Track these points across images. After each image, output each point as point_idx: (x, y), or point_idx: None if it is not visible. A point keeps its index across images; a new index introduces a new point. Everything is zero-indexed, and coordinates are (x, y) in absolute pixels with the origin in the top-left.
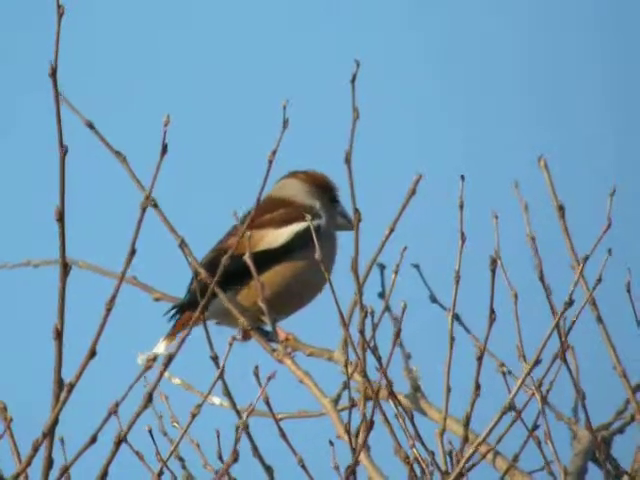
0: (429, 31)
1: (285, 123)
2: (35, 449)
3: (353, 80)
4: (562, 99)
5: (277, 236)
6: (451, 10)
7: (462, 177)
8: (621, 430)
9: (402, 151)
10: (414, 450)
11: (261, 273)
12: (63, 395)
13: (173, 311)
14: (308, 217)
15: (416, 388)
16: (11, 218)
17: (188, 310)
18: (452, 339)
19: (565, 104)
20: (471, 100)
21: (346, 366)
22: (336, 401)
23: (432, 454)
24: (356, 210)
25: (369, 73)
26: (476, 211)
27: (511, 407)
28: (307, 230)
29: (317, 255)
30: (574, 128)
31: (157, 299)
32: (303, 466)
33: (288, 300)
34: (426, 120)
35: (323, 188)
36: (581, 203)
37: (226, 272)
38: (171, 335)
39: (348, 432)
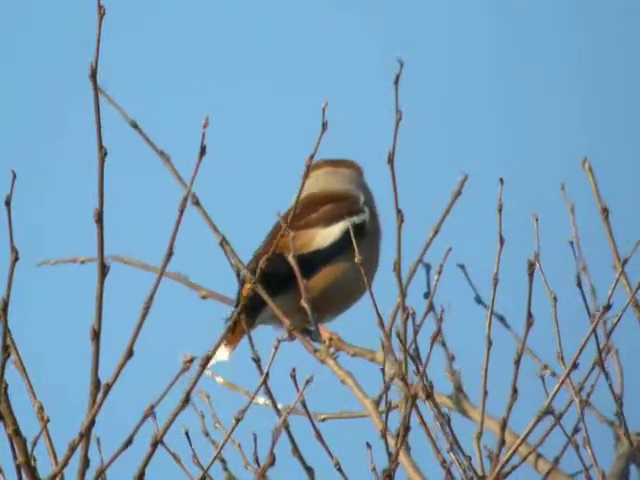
0: (473, 31)
1: (324, 125)
2: (72, 449)
3: (396, 81)
4: (606, 100)
5: (326, 236)
6: (493, 9)
7: (501, 180)
8: None
9: (446, 153)
10: (451, 454)
11: (311, 274)
12: (100, 396)
13: (230, 316)
14: (353, 220)
15: (459, 389)
16: (59, 217)
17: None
18: (489, 342)
19: (609, 105)
20: (516, 100)
21: (383, 371)
22: (378, 402)
23: (469, 458)
24: (399, 211)
25: (412, 73)
26: (521, 213)
27: (549, 411)
28: (355, 226)
29: (357, 259)
30: (618, 129)
31: (204, 297)
32: (340, 469)
33: (337, 301)
34: (470, 121)
35: (358, 173)
36: (625, 205)
37: (274, 275)
38: (233, 342)
39: (384, 436)
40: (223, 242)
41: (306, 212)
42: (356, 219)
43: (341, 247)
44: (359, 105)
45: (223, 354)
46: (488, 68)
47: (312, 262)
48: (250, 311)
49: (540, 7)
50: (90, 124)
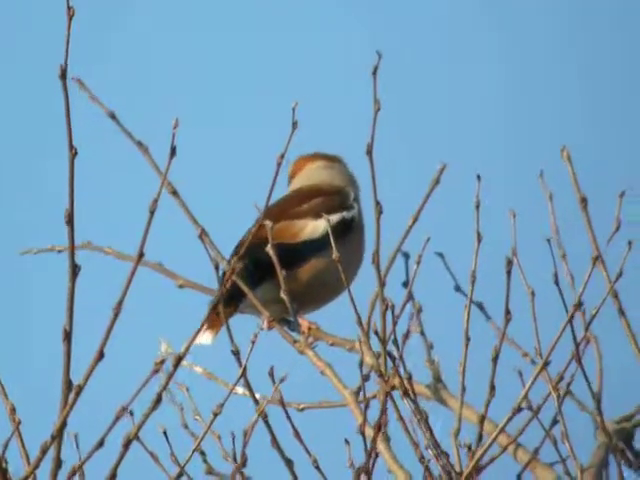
0: (453, 21)
1: (294, 125)
2: (43, 451)
3: (375, 72)
4: (587, 89)
5: (317, 227)
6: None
7: (478, 177)
8: None
9: (426, 144)
10: (429, 450)
11: (299, 265)
12: (72, 397)
13: (212, 303)
14: (326, 217)
15: (437, 378)
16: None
17: (227, 303)
18: (467, 339)
19: (589, 95)
20: (495, 90)
21: (361, 367)
22: (357, 393)
23: (447, 456)
24: (377, 203)
25: (391, 65)
26: (500, 204)
27: (524, 405)
28: (344, 221)
29: (334, 255)
30: (598, 118)
31: (181, 286)
32: (317, 466)
33: (322, 294)
34: (450, 111)
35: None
36: (604, 195)
37: (260, 263)
38: (216, 326)
39: (362, 433)
40: (202, 234)
41: (297, 203)
42: (346, 214)
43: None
44: (338, 97)
45: (207, 338)
46: (468, 61)
47: (300, 252)
48: (231, 300)
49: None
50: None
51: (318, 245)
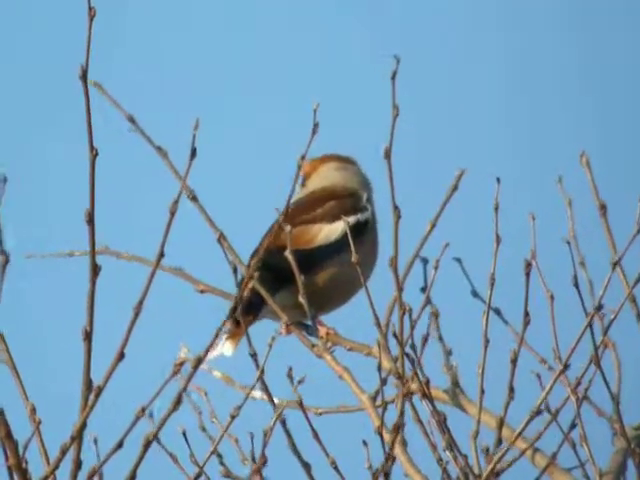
0: (470, 26)
1: (315, 127)
2: (63, 452)
3: (393, 77)
4: (604, 95)
5: (332, 231)
6: (490, 5)
7: (498, 179)
8: None
9: (444, 149)
10: (448, 452)
11: (316, 270)
12: (92, 398)
13: (231, 310)
14: (345, 220)
15: (455, 384)
16: (55, 215)
17: (246, 311)
18: (487, 341)
19: (607, 100)
20: (514, 96)
21: (379, 371)
22: (374, 397)
23: (465, 457)
24: (395, 207)
25: (410, 70)
26: (519, 209)
27: (543, 408)
28: (359, 224)
29: (353, 258)
30: (616, 124)
31: (202, 291)
32: (336, 467)
33: (339, 296)
34: (469, 117)
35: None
36: (623, 200)
37: (279, 269)
38: (236, 336)
39: (380, 434)
40: (221, 238)
41: (311, 207)
42: (360, 216)
43: (345, 243)
44: (357, 101)
45: (227, 349)
46: (485, 65)
47: (316, 257)
48: (251, 307)
49: (536, 3)
50: (83, 124)
51: (333, 249)
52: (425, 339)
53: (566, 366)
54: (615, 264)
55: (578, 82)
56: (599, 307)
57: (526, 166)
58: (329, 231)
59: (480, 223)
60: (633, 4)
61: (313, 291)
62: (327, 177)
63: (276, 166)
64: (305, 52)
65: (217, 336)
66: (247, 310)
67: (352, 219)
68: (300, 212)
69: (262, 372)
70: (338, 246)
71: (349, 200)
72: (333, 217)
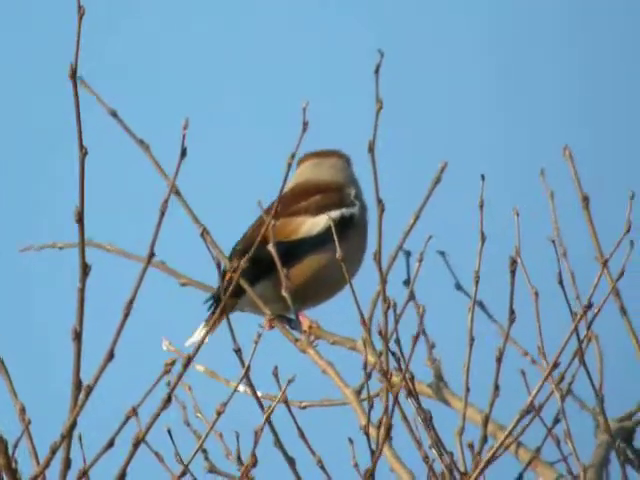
0: (455, 21)
1: (305, 125)
2: (53, 451)
3: (377, 70)
4: (589, 89)
5: (314, 224)
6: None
7: (482, 176)
8: None
9: (428, 142)
10: (434, 450)
11: (296, 262)
12: (81, 397)
13: (210, 300)
14: (330, 215)
15: (439, 378)
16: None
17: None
18: (472, 339)
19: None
20: (499, 90)
21: (365, 367)
22: (359, 392)
23: (451, 455)
24: (379, 201)
25: (394, 64)
26: (502, 204)
27: (530, 409)
28: (343, 218)
29: (338, 254)
30: (599, 118)
31: (184, 284)
32: (322, 466)
33: (321, 290)
34: (452, 111)
35: (346, 163)
36: (606, 194)
37: (258, 262)
38: (212, 325)
39: (367, 433)
40: (204, 233)
41: (295, 200)
42: (345, 211)
43: (329, 237)
44: (341, 96)
45: (200, 334)
46: (469, 59)
47: (298, 250)
48: (233, 294)
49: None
50: (71, 120)
51: (315, 243)
52: (416, 338)
53: (556, 364)
54: (604, 263)
55: (561, 76)
56: (589, 305)
57: (510, 161)
58: (312, 224)
59: (464, 216)
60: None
61: (292, 284)
62: (306, 174)
63: (261, 162)
64: (294, 49)
65: (206, 334)
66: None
67: (336, 213)
68: (284, 205)
69: (248, 369)
70: (321, 239)
71: (335, 194)
72: (317, 210)
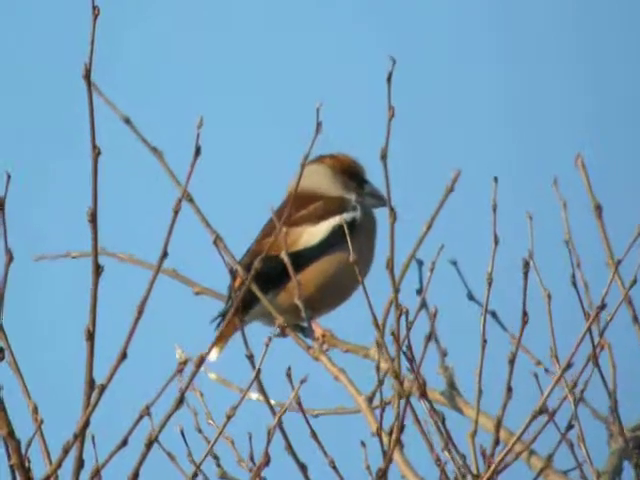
0: (467, 28)
1: (318, 126)
2: (66, 451)
3: (389, 78)
4: (600, 95)
5: (314, 234)
6: (487, 6)
7: (495, 179)
8: None
9: (441, 150)
10: (446, 453)
11: (299, 271)
12: (94, 397)
13: (219, 318)
14: (343, 218)
15: (451, 385)
16: (55, 216)
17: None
18: (484, 342)
19: (603, 101)
20: (511, 97)
21: (377, 370)
22: (371, 399)
23: (463, 457)
24: (391, 209)
25: (406, 71)
26: (515, 210)
27: (543, 410)
28: (341, 225)
29: (351, 258)
30: (612, 125)
31: (197, 293)
32: (334, 467)
33: (328, 297)
34: (466, 118)
35: (352, 172)
36: (620, 202)
37: (265, 273)
38: (221, 341)
39: (379, 435)
40: (217, 240)
41: (295, 210)
42: (346, 216)
43: (330, 244)
44: (354, 102)
45: (211, 355)
46: (481, 66)
47: (300, 260)
48: (242, 307)
49: (534, 5)
50: (84, 123)
51: (317, 251)
52: (429, 338)
53: (569, 365)
54: (617, 264)
55: (575, 83)
56: (602, 306)
57: (523, 166)
58: (313, 233)
59: (476, 224)
60: (629, 5)
61: (303, 292)
62: (311, 179)
63: (274, 167)
64: (308, 51)
65: (215, 343)
66: (238, 310)
67: (336, 220)
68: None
69: (259, 372)
70: (322, 247)
71: (334, 200)
72: (317, 218)
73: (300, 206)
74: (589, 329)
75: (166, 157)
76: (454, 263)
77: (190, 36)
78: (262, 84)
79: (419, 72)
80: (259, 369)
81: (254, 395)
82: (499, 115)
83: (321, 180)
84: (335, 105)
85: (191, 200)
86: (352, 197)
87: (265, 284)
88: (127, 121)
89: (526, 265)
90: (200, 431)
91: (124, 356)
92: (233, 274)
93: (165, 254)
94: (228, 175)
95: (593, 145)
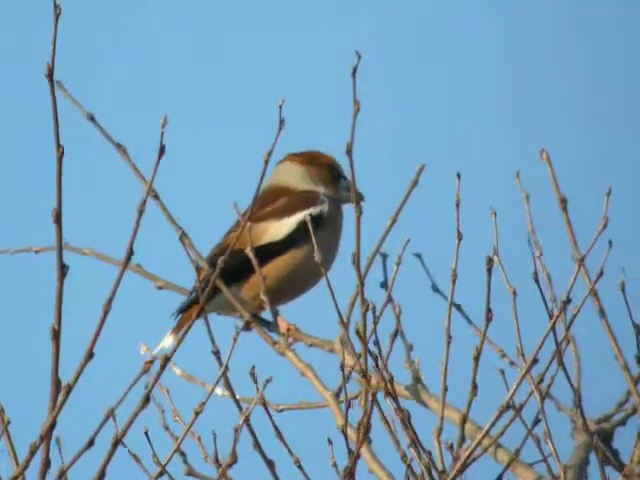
0: (437, 23)
1: (281, 123)
2: (32, 452)
3: (354, 73)
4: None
5: (279, 228)
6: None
7: (458, 175)
8: (623, 422)
9: (407, 144)
10: (412, 449)
11: (263, 265)
12: (61, 397)
13: (180, 310)
14: (307, 214)
15: (417, 379)
16: (16, 209)
17: (193, 304)
18: (449, 338)
19: (563, 98)
20: (473, 92)
21: (342, 369)
22: (338, 394)
23: (429, 454)
24: (357, 203)
25: (370, 64)
26: (479, 204)
27: (510, 406)
28: (312, 218)
29: (316, 256)
30: (577, 120)
31: (160, 287)
32: (300, 466)
33: (289, 289)
34: (430, 114)
35: (323, 167)
36: (583, 196)
37: (229, 267)
38: (178, 330)
39: (344, 433)
40: (182, 236)
41: (261, 206)
42: (313, 210)
43: (294, 239)
44: (320, 98)
45: (167, 341)
46: (445, 61)
47: (264, 254)
48: (198, 300)
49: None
50: (48, 121)
51: (282, 246)
52: (395, 335)
53: (535, 361)
54: (581, 260)
55: (539, 77)
56: (567, 301)
57: (487, 161)
58: (277, 228)
59: (440, 218)
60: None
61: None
62: (280, 175)
63: (239, 163)
64: (270, 47)
65: (184, 334)
66: (194, 304)
67: (302, 215)
68: (252, 210)
69: (226, 369)
70: (287, 243)
71: (300, 195)
72: (282, 214)
73: (268, 202)
74: (553, 327)
75: (131, 155)
76: (418, 256)
77: (156, 35)
78: (226, 81)
79: (385, 67)
80: (226, 366)
81: (219, 391)
82: (463, 109)
83: (291, 177)
84: (303, 99)
85: (156, 196)
86: (319, 189)
87: (228, 277)
88: (91, 118)
89: (489, 262)
90: (167, 428)
91: (91, 355)
92: (198, 271)
93: (131, 253)
94: (193, 170)
95: (557, 140)
